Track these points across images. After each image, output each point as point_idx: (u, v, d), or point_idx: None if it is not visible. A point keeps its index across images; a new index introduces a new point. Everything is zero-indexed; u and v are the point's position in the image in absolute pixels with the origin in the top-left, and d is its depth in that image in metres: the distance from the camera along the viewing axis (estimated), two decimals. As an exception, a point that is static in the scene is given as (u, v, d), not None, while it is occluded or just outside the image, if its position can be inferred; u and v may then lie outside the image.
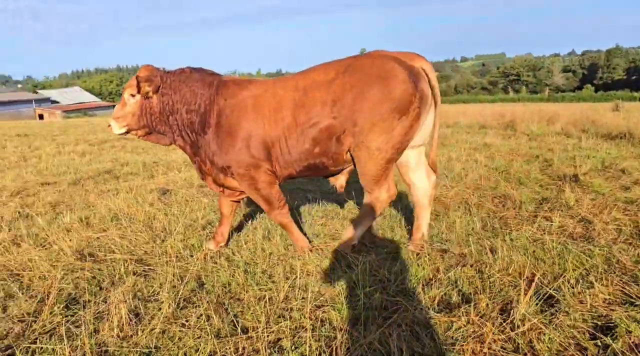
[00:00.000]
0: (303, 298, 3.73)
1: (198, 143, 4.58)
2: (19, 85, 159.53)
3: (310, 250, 4.74)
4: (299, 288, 3.91)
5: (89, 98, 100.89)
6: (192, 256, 4.74)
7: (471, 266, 4.30)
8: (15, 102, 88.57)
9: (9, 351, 3.07)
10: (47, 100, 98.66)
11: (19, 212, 6.92)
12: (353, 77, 4.18)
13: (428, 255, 4.57)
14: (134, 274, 4.26)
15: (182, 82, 4.48)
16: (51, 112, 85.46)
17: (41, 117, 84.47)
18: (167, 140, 4.76)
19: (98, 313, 3.56)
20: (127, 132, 4.65)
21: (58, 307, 3.58)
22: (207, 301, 3.68)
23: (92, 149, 15.33)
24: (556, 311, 3.35)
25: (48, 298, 3.75)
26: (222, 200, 5.09)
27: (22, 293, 3.92)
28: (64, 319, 3.47)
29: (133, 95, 4.52)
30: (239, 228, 5.77)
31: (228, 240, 5.20)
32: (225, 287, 4.00)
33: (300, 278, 4.12)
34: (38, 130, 25.33)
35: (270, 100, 4.38)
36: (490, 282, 3.92)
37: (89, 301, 3.75)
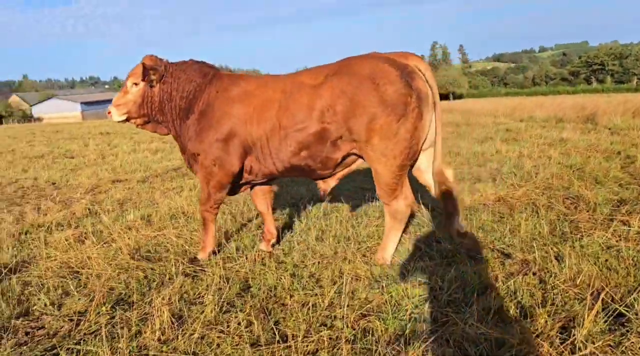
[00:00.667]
0: (348, 305, 3.57)
1: (181, 130, 4.65)
2: (106, 86, 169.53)
3: (211, 257, 4.68)
4: (346, 294, 3.75)
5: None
6: (242, 257, 4.70)
7: (534, 274, 3.98)
8: (102, 102, 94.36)
9: (54, 351, 3.15)
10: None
11: (88, 209, 7.23)
12: (342, 81, 4.05)
13: (486, 261, 4.28)
14: (184, 275, 4.28)
15: (182, 71, 4.61)
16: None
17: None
18: (164, 130, 4.85)
19: (144, 314, 3.59)
20: (126, 120, 4.73)
21: (106, 307, 3.64)
22: (250, 306, 3.61)
23: (165, 147, 15.91)
24: (627, 331, 2.99)
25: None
26: (254, 197, 5.12)
27: (77, 291, 4.04)
28: (109, 320, 3.51)
29: (136, 84, 4.61)
30: (292, 228, 5.70)
31: (279, 238, 5.15)
32: (270, 291, 3.92)
33: (348, 283, 3.97)
34: (119, 129, 26.67)
35: (258, 99, 4.37)
36: (553, 294, 3.59)
37: (137, 301, 3.80)
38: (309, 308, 3.55)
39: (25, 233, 5.88)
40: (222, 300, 3.73)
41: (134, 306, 3.70)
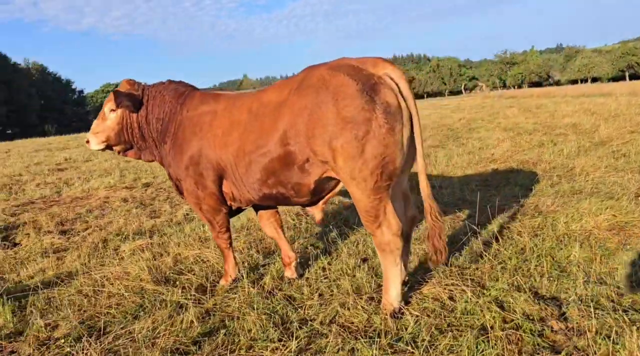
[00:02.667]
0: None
1: (162, 155, 4.46)
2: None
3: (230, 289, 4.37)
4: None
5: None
6: (251, 288, 4.33)
7: (569, 356, 2.87)
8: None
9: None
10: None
11: (185, 215, 7.57)
12: (301, 97, 3.53)
13: (519, 327, 3.24)
14: (178, 305, 4.09)
15: (158, 92, 4.42)
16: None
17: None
18: (149, 156, 4.65)
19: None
20: (106, 148, 4.56)
21: (66, 340, 3.62)
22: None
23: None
24: None
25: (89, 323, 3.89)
26: (260, 222, 4.79)
27: (75, 314, 4.13)
28: (67, 352, 3.49)
29: (113, 110, 4.43)
30: (341, 253, 5.10)
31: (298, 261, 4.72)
32: (237, 337, 3.50)
33: (325, 337, 3.36)
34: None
35: (224, 119, 4.02)
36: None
37: (109, 333, 3.72)
38: (250, 368, 3.06)
39: (105, 242, 6.34)
40: (176, 344, 3.45)
41: (100, 339, 3.63)
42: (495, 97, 42.95)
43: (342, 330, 3.48)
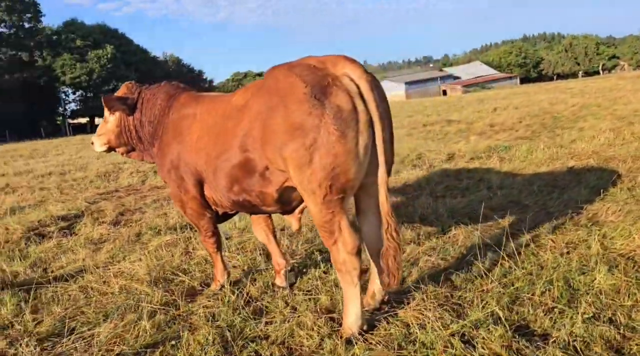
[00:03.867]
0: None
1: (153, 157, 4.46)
2: (431, 64, 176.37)
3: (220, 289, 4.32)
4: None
5: (487, 71, 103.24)
6: (230, 296, 4.18)
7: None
8: (424, 81, 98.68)
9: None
10: (450, 76, 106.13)
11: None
12: (257, 101, 3.37)
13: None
14: (150, 309, 4.06)
15: (153, 95, 4.37)
16: (453, 88, 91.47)
17: (444, 93, 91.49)
18: (148, 158, 4.63)
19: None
20: (109, 150, 4.63)
21: (32, 338, 3.72)
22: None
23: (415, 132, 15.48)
24: None
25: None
26: (253, 227, 4.62)
27: (64, 310, 4.27)
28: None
29: (112, 113, 4.47)
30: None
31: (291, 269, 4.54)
32: (179, 351, 3.36)
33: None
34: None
35: (199, 123, 3.91)
36: None
37: (76, 335, 3.78)
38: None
39: (139, 235, 6.55)
40: (121, 354, 3.40)
41: (61, 341, 3.70)
42: (633, 77, 38.42)
43: (286, 353, 3.20)
